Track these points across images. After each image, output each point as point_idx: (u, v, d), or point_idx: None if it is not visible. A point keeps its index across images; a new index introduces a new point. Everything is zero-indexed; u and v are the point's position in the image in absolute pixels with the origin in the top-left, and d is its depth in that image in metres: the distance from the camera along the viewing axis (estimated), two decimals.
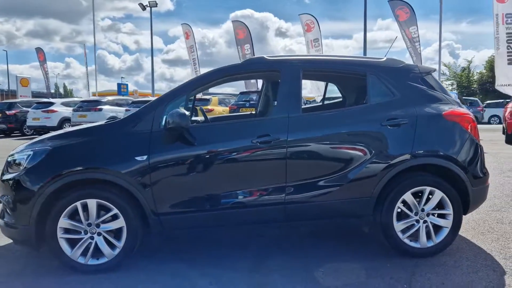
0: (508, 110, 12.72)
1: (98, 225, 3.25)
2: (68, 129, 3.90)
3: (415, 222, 3.48)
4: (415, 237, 3.50)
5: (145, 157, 3.23)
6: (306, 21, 19.16)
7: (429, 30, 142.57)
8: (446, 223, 3.50)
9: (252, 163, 3.35)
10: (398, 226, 3.46)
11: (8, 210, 3.34)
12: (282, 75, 3.54)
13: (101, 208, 3.25)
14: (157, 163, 3.23)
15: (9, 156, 3.53)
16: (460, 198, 3.52)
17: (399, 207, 3.46)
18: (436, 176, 3.50)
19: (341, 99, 4.50)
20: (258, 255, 3.59)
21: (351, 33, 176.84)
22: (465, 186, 3.51)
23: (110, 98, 19.52)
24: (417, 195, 3.49)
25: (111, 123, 3.47)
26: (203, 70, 23.22)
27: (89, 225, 3.24)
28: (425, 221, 3.48)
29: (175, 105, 3.44)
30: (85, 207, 3.22)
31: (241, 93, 14.91)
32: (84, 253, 3.24)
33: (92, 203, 3.21)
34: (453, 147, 3.51)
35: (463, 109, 3.73)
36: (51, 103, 18.64)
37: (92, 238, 3.25)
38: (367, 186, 3.41)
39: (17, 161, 3.38)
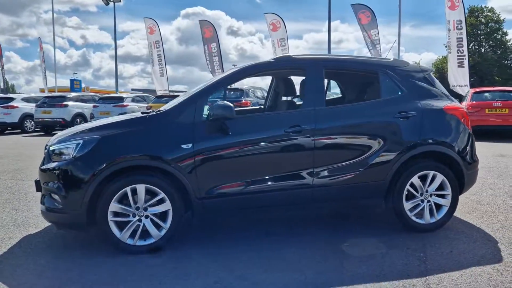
0: None
1: (145, 209, 3.51)
2: (105, 120, 4.08)
3: (420, 202, 4.02)
4: (420, 214, 4.03)
5: (190, 145, 3.53)
6: (271, 21, 19.69)
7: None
8: (446, 202, 4.06)
9: (284, 150, 3.74)
10: (407, 205, 3.98)
11: (55, 196, 3.52)
12: (307, 73, 3.95)
13: (148, 193, 3.50)
14: (201, 150, 3.54)
15: (49, 147, 3.69)
16: (457, 180, 4.10)
17: (407, 189, 3.98)
18: (438, 162, 4.06)
19: (355, 94, 4.95)
20: (286, 235, 3.98)
21: (301, 34, 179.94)
22: (461, 170, 4.09)
23: (74, 94, 19.07)
24: (422, 178, 4.03)
25: (155, 115, 3.71)
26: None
27: (137, 208, 3.49)
28: (428, 201, 4.03)
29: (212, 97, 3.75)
30: (133, 192, 3.46)
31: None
32: (132, 235, 3.49)
33: (141, 188, 3.47)
34: (452, 136, 4.08)
35: (458, 104, 4.32)
36: (11, 99, 17.95)
37: (140, 220, 3.51)
38: (382, 171, 3.90)
39: (62, 151, 3.56)
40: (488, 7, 39.45)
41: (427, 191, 4.02)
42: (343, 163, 3.84)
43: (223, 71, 21.16)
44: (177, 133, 3.57)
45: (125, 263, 3.32)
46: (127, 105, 16.60)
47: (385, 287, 2.91)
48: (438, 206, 4.07)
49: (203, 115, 3.64)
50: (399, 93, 4.09)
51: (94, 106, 16.75)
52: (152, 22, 23.22)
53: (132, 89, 53.39)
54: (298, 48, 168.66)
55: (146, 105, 16.64)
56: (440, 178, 4.03)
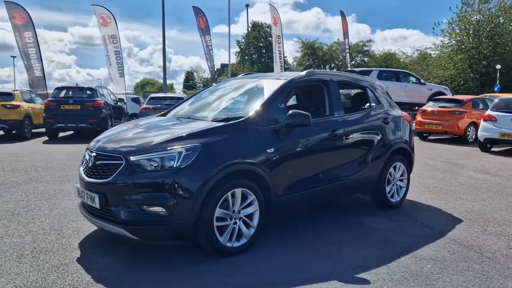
0: None
1: (239, 211, 3.68)
2: (195, 126, 3.90)
3: (393, 186, 5.36)
4: (391, 195, 5.37)
5: (272, 149, 3.88)
6: (100, 14, 18.38)
7: (144, 33, 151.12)
8: (404, 185, 5.54)
9: (329, 150, 4.47)
10: (387, 189, 5.26)
11: (154, 208, 3.33)
12: (329, 86, 4.74)
13: (242, 196, 3.69)
14: (279, 153, 3.92)
15: (133, 157, 3.40)
16: (408, 167, 5.62)
17: (388, 177, 5.25)
18: (401, 155, 5.48)
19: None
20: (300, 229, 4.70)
21: (66, 26, 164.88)
22: (411, 159, 5.63)
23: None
24: (394, 168, 5.37)
25: (238, 122, 3.84)
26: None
27: (233, 211, 3.63)
28: (396, 184, 5.41)
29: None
30: (231, 196, 3.60)
31: (57, 88, 13.54)
32: (230, 238, 3.62)
33: (238, 192, 3.63)
34: (407, 135, 5.58)
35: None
36: None
37: (235, 223, 3.66)
38: (379, 164, 5.06)
39: (156, 161, 3.38)
40: (267, 23, 45.91)
41: (394, 178, 5.40)
42: (360, 159, 4.83)
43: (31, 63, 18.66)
44: (262, 139, 3.85)
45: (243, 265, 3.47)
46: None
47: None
48: (400, 188, 5.50)
49: (276, 122, 4.01)
50: (379, 103, 5.34)
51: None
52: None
53: None
54: (62, 42, 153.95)
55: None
56: (402, 167, 5.48)
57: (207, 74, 37.00)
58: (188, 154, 3.41)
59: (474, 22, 31.37)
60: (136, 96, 21.53)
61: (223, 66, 43.75)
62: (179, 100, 14.17)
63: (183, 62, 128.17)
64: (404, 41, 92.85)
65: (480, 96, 17.06)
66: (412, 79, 18.17)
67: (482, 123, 11.60)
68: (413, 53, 42.66)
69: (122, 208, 3.40)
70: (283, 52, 27.68)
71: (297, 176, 4.15)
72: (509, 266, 3.59)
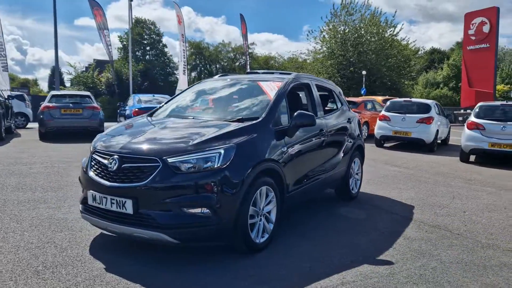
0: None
1: (263, 208, 3.82)
2: (219, 126, 3.87)
3: (352, 179, 5.98)
4: (352, 187, 5.99)
5: (285, 148, 4.10)
6: None
7: None
8: (359, 177, 6.21)
9: (318, 148, 4.83)
10: (350, 182, 5.86)
11: (193, 210, 3.29)
12: (311, 89, 5.10)
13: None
14: (290, 151, 4.16)
15: (170, 159, 3.31)
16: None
17: (350, 171, 5.85)
18: (358, 151, 6.13)
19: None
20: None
21: None
22: (364, 154, 6.34)
23: None
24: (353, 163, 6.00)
25: (257, 123, 3.93)
26: None
27: (259, 208, 3.77)
28: (355, 178, 6.05)
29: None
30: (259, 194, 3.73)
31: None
32: (257, 234, 3.74)
33: (263, 190, 3.77)
34: (360, 133, 6.25)
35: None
36: None
37: (260, 220, 3.79)
38: (346, 159, 5.61)
39: (192, 162, 3.35)
40: (150, 20, 44.61)
41: (354, 171, 6.03)
42: (336, 155, 5.31)
43: None
44: (277, 138, 4.03)
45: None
46: None
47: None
48: (356, 181, 6.16)
49: (283, 122, 4.22)
50: (341, 106, 5.89)
51: None
52: None
53: None
54: None
55: None
56: (358, 162, 6.14)
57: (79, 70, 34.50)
58: (226, 154, 3.44)
59: (341, 32, 34.76)
60: (20, 93, 19.05)
61: (102, 62, 41.03)
62: (86, 98, 13.14)
63: (41, 55, 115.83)
64: (270, 45, 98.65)
65: (369, 98, 19.21)
66: None
67: (378, 122, 13.24)
68: (290, 57, 45.56)
69: (161, 211, 3.28)
70: (186, 50, 27.50)
71: (300, 172, 4.44)
72: (478, 240, 4.40)
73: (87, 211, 3.66)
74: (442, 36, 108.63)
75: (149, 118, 4.58)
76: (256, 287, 3.10)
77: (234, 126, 3.85)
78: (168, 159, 3.33)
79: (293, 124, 4.23)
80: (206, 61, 43.30)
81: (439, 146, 13.71)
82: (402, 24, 67.47)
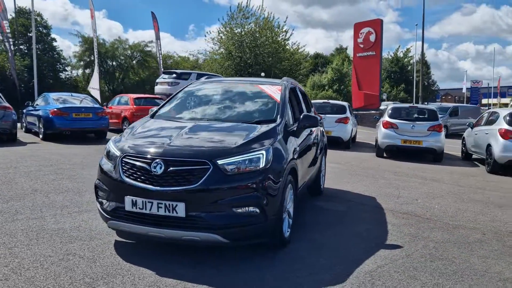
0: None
1: (287, 205, 4.06)
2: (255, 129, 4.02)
3: (321, 175, 6.50)
4: (322, 182, 6.49)
5: (298, 147, 4.42)
6: None
7: None
8: (324, 173, 6.76)
9: (311, 146, 5.23)
10: (321, 177, 6.37)
11: (244, 209, 3.42)
12: (296, 91, 5.46)
13: None
14: (298, 150, 4.47)
15: (220, 161, 3.41)
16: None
17: (321, 168, 6.36)
18: (324, 149, 6.66)
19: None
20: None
21: None
22: (327, 151, 6.91)
23: None
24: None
25: (277, 125, 4.14)
26: None
27: (286, 204, 4.01)
28: (322, 174, 6.58)
29: None
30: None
31: None
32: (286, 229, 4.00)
33: (289, 187, 4.03)
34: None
35: None
36: None
37: (285, 216, 4.04)
38: (321, 157, 6.09)
39: (244, 163, 3.51)
40: (36, 10, 40.38)
41: (323, 167, 6.56)
42: (316, 153, 5.75)
43: None
44: (292, 139, 4.31)
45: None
46: None
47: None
48: (323, 176, 6.70)
49: (290, 123, 4.51)
50: (312, 107, 6.36)
51: None
52: None
53: None
54: None
55: None
56: (324, 159, 6.69)
57: None
58: (267, 154, 3.63)
59: (238, 34, 35.44)
60: None
61: None
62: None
63: None
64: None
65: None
66: None
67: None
68: (189, 56, 45.10)
69: (212, 213, 3.35)
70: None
71: (303, 170, 4.78)
72: (445, 222, 5.20)
73: (120, 218, 3.53)
74: (317, 41, 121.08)
75: (164, 121, 4.47)
76: (309, 277, 3.36)
77: (262, 128, 4.03)
78: (218, 161, 3.41)
79: (301, 126, 4.56)
80: (102, 57, 40.82)
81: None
82: (293, 30, 71.21)
